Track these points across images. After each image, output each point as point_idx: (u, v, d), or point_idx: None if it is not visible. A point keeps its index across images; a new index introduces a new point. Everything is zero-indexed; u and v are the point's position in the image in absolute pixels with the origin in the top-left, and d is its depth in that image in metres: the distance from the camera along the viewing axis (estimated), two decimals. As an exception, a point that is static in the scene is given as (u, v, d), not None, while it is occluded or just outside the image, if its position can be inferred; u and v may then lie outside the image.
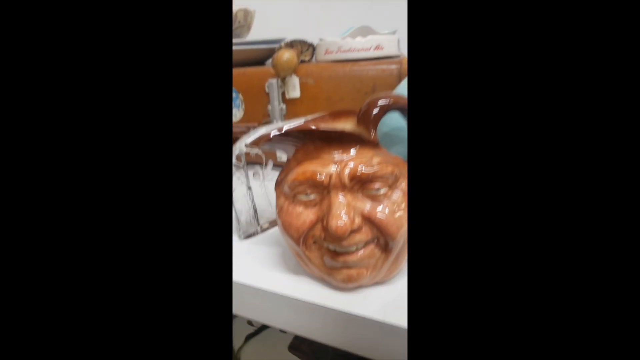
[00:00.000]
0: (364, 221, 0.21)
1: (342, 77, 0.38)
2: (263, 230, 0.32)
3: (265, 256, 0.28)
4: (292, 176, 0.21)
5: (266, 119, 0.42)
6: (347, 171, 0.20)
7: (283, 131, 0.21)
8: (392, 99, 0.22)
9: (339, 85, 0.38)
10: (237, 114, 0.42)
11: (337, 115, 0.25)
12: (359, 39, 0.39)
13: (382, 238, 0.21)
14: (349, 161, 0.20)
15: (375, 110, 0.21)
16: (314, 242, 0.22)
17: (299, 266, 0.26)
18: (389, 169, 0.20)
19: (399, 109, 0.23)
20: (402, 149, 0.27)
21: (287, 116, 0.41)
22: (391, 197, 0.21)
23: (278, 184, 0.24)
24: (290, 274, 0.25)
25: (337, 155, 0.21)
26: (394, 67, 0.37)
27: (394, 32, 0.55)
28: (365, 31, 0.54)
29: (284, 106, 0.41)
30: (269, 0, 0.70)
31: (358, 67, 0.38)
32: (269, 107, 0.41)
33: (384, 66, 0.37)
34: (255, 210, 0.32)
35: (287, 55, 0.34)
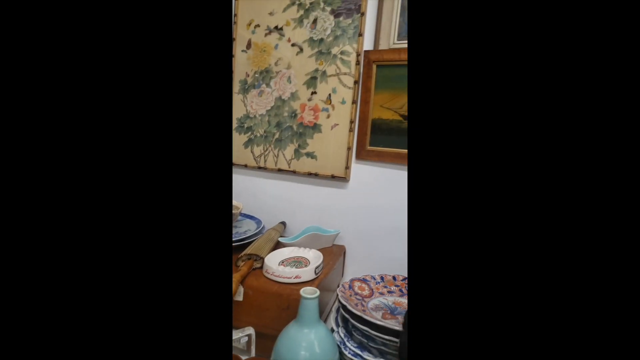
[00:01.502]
0: None
1: (270, 294, 0.57)
2: None
3: None
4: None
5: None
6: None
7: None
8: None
9: (267, 299, 0.57)
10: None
11: None
12: (288, 269, 0.59)
13: None
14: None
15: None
16: None
17: None
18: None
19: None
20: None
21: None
22: None
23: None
24: None
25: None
26: (301, 291, 0.56)
27: (338, 232, 0.78)
28: (314, 237, 0.76)
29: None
30: (261, 189, 0.98)
31: (282, 289, 0.57)
32: (222, 301, 0.59)
33: (297, 291, 0.56)
34: None
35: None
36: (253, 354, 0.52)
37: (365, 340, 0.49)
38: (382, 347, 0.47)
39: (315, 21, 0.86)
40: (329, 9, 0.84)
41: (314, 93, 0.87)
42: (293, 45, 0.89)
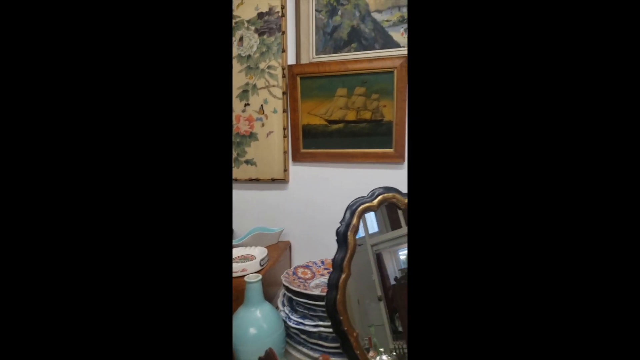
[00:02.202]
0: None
1: (220, 289, 0.63)
2: None
3: None
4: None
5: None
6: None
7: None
8: None
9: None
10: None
11: None
12: (235, 264, 0.65)
13: None
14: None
15: None
16: None
17: None
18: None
19: None
20: None
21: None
22: None
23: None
24: None
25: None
26: (245, 278, 0.63)
27: (282, 230, 0.86)
28: (259, 237, 0.83)
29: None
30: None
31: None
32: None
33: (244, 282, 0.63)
34: None
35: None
36: (208, 344, 0.58)
37: (307, 312, 0.57)
38: (321, 314, 0.56)
39: (241, 39, 0.93)
40: (252, 27, 0.92)
41: (247, 105, 0.95)
42: (222, 61, 0.95)
